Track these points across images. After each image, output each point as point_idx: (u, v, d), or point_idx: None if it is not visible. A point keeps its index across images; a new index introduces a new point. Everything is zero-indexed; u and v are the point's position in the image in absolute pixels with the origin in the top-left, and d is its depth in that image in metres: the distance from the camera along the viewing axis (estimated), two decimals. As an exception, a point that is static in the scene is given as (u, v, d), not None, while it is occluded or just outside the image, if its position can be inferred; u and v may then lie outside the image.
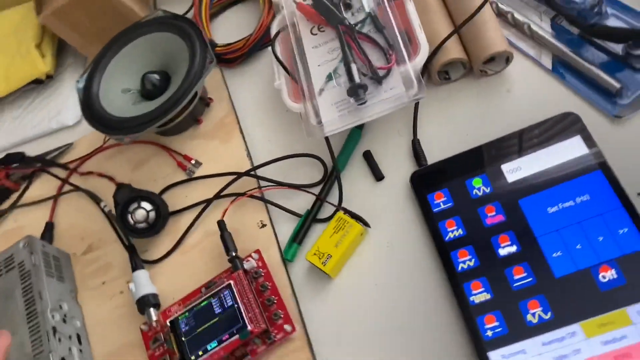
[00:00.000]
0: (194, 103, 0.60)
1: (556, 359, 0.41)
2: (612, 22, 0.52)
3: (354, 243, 0.50)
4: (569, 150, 0.48)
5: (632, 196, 0.45)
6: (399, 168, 0.53)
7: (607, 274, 0.42)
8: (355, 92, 0.50)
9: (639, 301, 0.41)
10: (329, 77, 0.54)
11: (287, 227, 0.54)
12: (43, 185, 0.68)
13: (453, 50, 0.53)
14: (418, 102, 0.54)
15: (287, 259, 0.52)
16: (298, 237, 0.53)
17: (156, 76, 0.60)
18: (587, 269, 0.43)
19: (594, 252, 0.43)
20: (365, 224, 0.51)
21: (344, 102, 0.52)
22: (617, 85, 0.48)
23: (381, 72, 0.51)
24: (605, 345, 0.40)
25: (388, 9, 0.53)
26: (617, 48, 0.50)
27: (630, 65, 0.49)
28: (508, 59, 0.53)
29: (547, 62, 0.53)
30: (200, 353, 0.48)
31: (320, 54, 0.55)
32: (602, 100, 0.49)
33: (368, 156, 0.55)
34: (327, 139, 0.53)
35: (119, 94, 0.62)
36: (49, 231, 0.63)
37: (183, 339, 0.49)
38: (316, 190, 0.55)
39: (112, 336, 0.55)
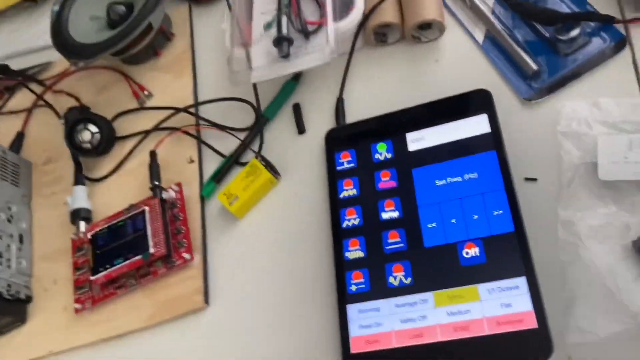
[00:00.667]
0: (151, 35, 0.63)
1: (403, 320, 0.43)
2: (553, 4, 0.50)
3: (262, 189, 0.53)
4: (472, 127, 0.48)
5: (517, 180, 0.45)
6: (322, 124, 0.55)
7: (471, 251, 0.44)
8: (279, 44, 0.52)
9: (491, 280, 0.42)
10: (267, 26, 0.55)
11: (214, 166, 0.58)
12: (23, 98, 0.73)
13: (387, 13, 0.53)
14: (349, 61, 0.55)
15: (203, 194, 0.56)
16: (217, 176, 0.56)
17: (121, 7, 0.63)
18: (454, 243, 0.44)
19: (466, 228, 0.45)
20: (276, 173, 0.54)
21: (274, 52, 0.53)
22: (534, 67, 0.48)
23: (312, 27, 0.53)
24: (449, 315, 0.42)
25: (327, -35, 0.53)
26: (547, 31, 0.49)
27: (556, 49, 0.48)
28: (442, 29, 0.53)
29: (480, 36, 0.52)
30: (107, 266, 0.53)
31: (267, 1, 0.57)
32: (518, 81, 0.49)
33: (296, 109, 0.57)
34: (255, 86, 0.55)
35: (87, 21, 0.65)
36: (18, 140, 0.69)
37: (97, 252, 0.55)
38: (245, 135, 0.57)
39: (50, 241, 0.61)
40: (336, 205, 0.50)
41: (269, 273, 0.51)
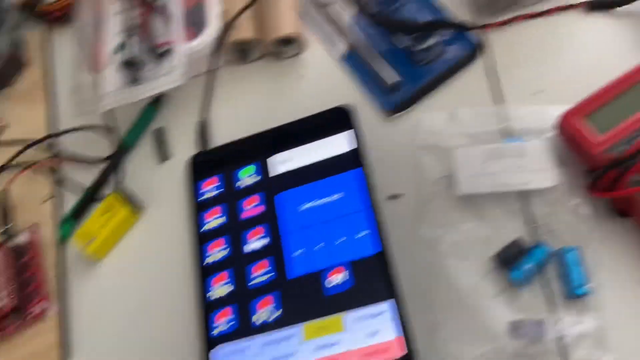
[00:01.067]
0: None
1: (270, 360, 0.40)
2: (411, 14, 0.49)
3: (122, 225, 0.49)
4: (337, 145, 0.46)
5: (382, 198, 0.43)
6: (187, 149, 0.51)
7: (336, 278, 0.41)
8: (127, 67, 0.48)
9: (357, 308, 0.40)
10: (117, 49, 0.51)
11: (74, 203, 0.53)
12: None
13: (245, 29, 0.50)
14: (211, 82, 0.52)
15: (61, 236, 0.51)
16: (76, 214, 0.51)
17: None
18: (319, 272, 0.42)
19: (330, 254, 0.42)
20: (138, 207, 0.50)
21: (125, 77, 0.49)
22: (393, 79, 0.46)
23: (163, 48, 0.49)
24: (317, 350, 0.40)
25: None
26: (405, 41, 0.48)
27: (414, 60, 0.47)
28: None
29: (341, 50, 0.50)
30: (-51, 327, 0.47)
31: (118, 22, 0.53)
32: (379, 95, 0.47)
33: (158, 134, 0.53)
34: (111, 113, 0.51)
35: None
36: None
37: (-62, 311, 0.48)
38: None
39: None
40: (198, 240, 0.46)
41: (134, 319, 0.47)
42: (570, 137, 0.39)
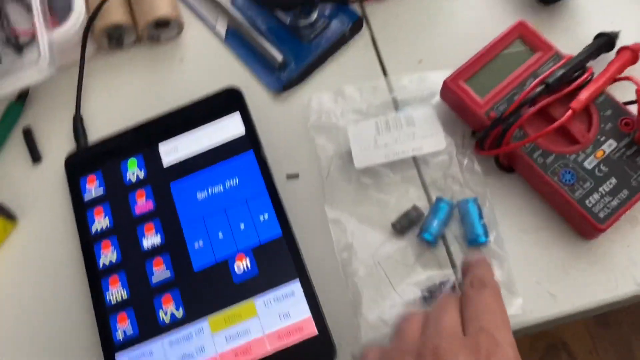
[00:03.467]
0: None
1: (180, 358, 0.38)
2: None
3: (-5, 237, 0.44)
4: (226, 129, 0.44)
5: (278, 180, 0.43)
6: (61, 148, 0.47)
7: (242, 264, 0.40)
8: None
9: (266, 291, 0.39)
10: (-33, 42, 0.45)
11: None
12: None
13: (115, 13, 0.47)
14: (82, 72, 0.48)
15: None
16: (-64, 231, 0.45)
17: None
18: (225, 261, 0.40)
19: (234, 241, 0.41)
20: (10, 216, 0.45)
21: (-20, 72, 0.44)
22: (279, 58, 0.46)
23: (24, 39, 0.44)
24: (228, 340, 0.38)
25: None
26: (288, 17, 0.47)
27: (299, 36, 0.47)
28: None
29: (222, 29, 0.48)
30: None
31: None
32: (266, 74, 0.46)
33: (26, 134, 0.48)
34: (-35, 115, 0.45)
35: None
36: None
37: None
38: (-34, 174, 0.47)
39: None
40: (88, 241, 0.43)
41: (24, 336, 0.42)
42: (454, 101, 0.41)
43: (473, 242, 0.38)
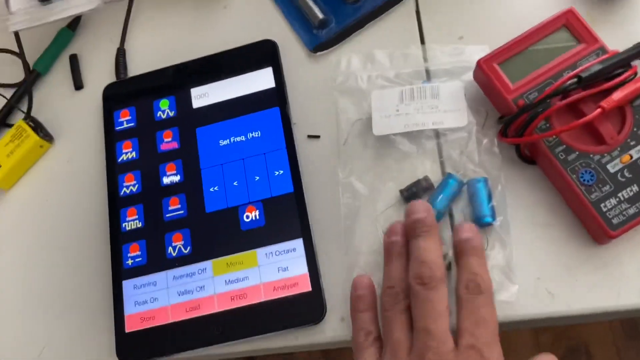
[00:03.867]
0: None
1: (181, 293, 0.40)
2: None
3: (30, 154, 0.47)
4: (258, 82, 0.45)
5: (301, 138, 0.43)
6: (102, 78, 0.49)
7: (251, 214, 0.42)
8: (37, -15, 0.44)
9: (270, 244, 0.40)
10: (27, -35, 0.47)
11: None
12: None
13: (167, -47, 0.47)
14: (130, 7, 0.49)
15: (-35, 163, 0.48)
16: (-19, 141, 0.48)
17: None
18: (236, 207, 0.42)
19: (247, 190, 0.42)
20: (47, 136, 0.47)
21: (36, -4, 0.46)
22: (320, 16, 0.45)
23: (77, -32, 0.46)
24: (227, 284, 0.40)
25: None
26: (334, -24, 0.47)
27: (343, -2, 0.46)
28: (230, -28, 0.48)
29: (266, -19, 0.48)
30: None
31: None
32: (305, 31, 0.46)
33: (72, 61, 0.50)
34: (17, 35, 0.47)
35: None
36: None
37: None
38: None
39: None
40: (114, 171, 0.45)
41: (41, 250, 0.45)
42: (484, 83, 0.40)
43: (477, 220, 0.38)
